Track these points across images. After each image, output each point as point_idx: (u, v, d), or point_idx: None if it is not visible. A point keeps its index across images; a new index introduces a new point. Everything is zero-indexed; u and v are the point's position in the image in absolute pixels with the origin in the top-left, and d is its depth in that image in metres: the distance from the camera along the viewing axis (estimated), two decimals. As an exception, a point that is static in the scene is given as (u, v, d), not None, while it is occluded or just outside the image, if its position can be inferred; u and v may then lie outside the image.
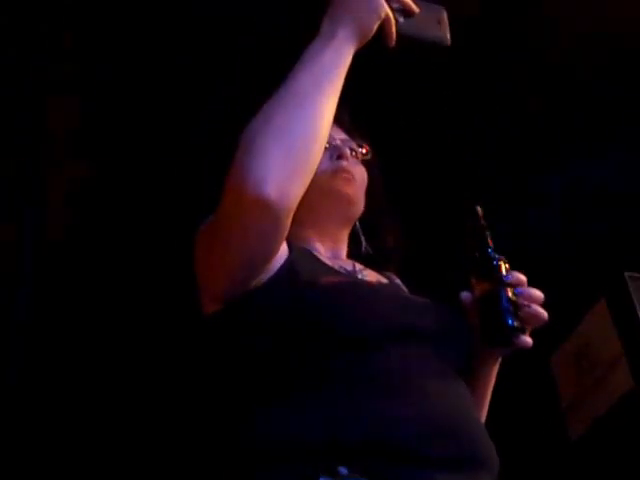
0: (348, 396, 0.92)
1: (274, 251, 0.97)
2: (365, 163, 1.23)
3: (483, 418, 1.13)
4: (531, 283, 1.09)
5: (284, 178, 0.90)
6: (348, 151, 1.20)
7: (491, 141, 2.41)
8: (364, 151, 1.24)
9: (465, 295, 1.07)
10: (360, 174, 1.21)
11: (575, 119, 2.35)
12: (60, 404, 2.64)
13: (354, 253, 1.25)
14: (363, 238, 1.27)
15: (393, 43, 1.03)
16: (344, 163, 1.18)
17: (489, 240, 1.08)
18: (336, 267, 1.13)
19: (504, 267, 1.05)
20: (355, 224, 1.25)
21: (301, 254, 1.07)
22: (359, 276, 1.16)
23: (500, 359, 1.14)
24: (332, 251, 1.19)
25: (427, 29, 1.06)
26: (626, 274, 2.34)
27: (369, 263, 1.24)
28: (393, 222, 1.32)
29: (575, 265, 2.51)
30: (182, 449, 2.60)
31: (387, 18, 1.01)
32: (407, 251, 1.30)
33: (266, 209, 0.89)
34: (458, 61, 2.02)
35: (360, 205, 1.21)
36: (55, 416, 2.63)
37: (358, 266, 1.19)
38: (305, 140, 0.93)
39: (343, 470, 0.86)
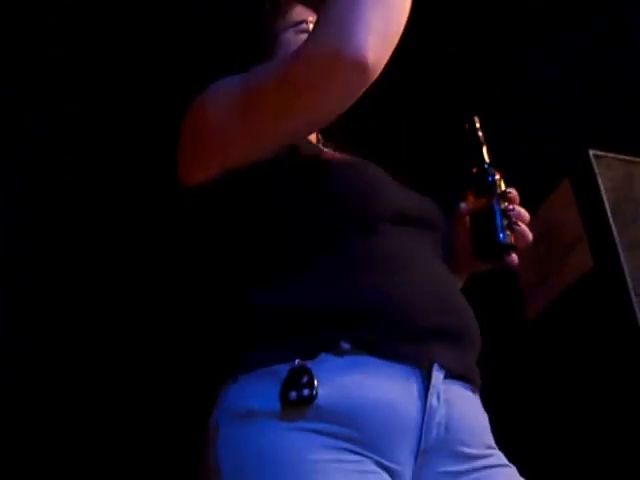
0: (347, 271, 0.93)
1: (341, 111, 0.98)
2: None
3: None
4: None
5: (381, 44, 0.92)
6: None
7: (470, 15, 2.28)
8: None
9: (463, 206, 1.09)
10: None
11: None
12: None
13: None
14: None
15: None
16: None
17: (486, 155, 1.09)
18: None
19: (500, 183, 1.06)
20: None
21: None
22: None
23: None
24: None
25: None
26: (591, 152, 2.27)
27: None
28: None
29: (539, 144, 2.44)
30: (180, 327, 2.57)
31: None
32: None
33: (361, 71, 0.91)
34: None
35: None
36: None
37: None
38: (399, 11, 0.94)
39: (345, 345, 0.86)
